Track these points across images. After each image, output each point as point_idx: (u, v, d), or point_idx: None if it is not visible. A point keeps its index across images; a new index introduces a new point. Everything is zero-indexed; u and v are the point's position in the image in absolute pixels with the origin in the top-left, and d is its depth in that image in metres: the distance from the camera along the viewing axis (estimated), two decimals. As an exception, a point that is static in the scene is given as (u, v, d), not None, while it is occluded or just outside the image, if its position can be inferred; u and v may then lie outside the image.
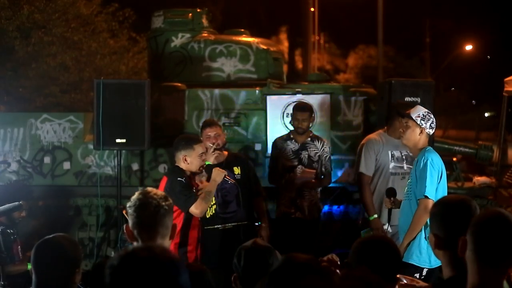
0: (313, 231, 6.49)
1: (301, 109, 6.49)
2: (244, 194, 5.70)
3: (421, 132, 4.92)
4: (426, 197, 4.71)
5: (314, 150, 6.47)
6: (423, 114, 4.94)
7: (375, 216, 5.94)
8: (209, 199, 5.03)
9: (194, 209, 4.93)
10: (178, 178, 4.93)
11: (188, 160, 5.03)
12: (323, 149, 6.49)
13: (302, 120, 6.42)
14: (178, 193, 4.87)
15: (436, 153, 4.94)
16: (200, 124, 7.71)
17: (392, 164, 6.03)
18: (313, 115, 6.58)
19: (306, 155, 6.44)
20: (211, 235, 5.57)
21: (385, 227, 5.82)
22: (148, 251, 1.96)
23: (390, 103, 6.79)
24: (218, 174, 5.11)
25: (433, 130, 5.02)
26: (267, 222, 5.97)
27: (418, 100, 6.86)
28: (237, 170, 5.79)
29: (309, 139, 6.50)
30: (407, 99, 6.86)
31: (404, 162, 6.05)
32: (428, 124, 4.92)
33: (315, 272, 2.13)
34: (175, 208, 4.86)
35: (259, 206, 6.00)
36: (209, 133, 5.76)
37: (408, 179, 5.05)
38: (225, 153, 5.97)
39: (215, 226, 5.69)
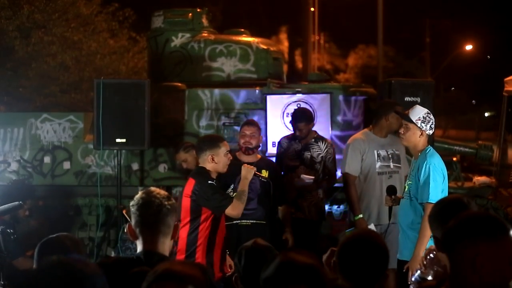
0: (313, 232, 6.43)
1: (298, 119, 6.44)
2: (267, 195, 5.64)
3: (421, 134, 4.91)
4: (429, 202, 4.68)
5: (317, 151, 6.43)
6: (423, 117, 4.89)
7: (360, 216, 5.94)
8: (244, 199, 4.89)
9: (231, 211, 4.81)
10: (209, 182, 4.82)
11: (216, 159, 4.89)
12: (327, 151, 6.44)
13: (299, 129, 6.40)
14: (211, 196, 4.78)
15: (437, 155, 4.92)
16: (200, 124, 7.78)
17: (378, 164, 6.01)
18: (313, 120, 6.55)
19: (309, 156, 6.41)
20: (228, 230, 5.46)
21: (370, 226, 5.85)
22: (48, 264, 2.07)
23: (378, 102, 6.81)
24: (248, 172, 5.00)
25: (433, 130, 5.01)
26: (290, 228, 5.96)
27: (418, 100, 6.87)
28: (264, 173, 5.74)
29: (312, 139, 6.47)
30: (407, 99, 6.87)
31: (391, 160, 6.04)
32: (428, 126, 4.91)
33: (313, 278, 2.08)
34: (204, 210, 4.78)
35: (284, 214, 6.02)
36: (246, 131, 5.80)
37: (409, 180, 5.00)
38: (258, 156, 5.97)
39: (234, 222, 5.59)
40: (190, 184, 4.87)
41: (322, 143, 6.48)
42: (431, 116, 4.96)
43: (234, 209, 4.81)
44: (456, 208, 2.76)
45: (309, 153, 6.41)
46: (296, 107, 7.59)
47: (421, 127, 4.88)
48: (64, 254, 3.01)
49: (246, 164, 5.11)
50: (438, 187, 4.76)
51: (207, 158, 4.91)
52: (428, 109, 5.08)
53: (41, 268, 2.07)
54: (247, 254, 3.28)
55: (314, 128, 6.74)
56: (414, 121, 4.90)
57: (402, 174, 6.08)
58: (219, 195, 4.83)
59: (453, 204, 2.79)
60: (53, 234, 3.14)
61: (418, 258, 4.60)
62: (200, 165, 4.99)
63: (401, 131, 5.03)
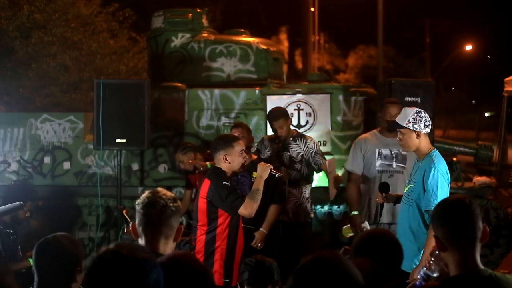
0: (298, 234, 6.31)
1: (275, 117, 6.33)
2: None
3: (418, 135, 4.68)
4: None
5: (297, 150, 6.29)
6: (413, 118, 4.66)
7: (355, 212, 6.00)
8: (258, 198, 4.77)
9: (244, 210, 4.73)
10: (224, 182, 4.77)
11: (229, 159, 4.83)
12: (307, 147, 6.29)
13: (280, 127, 6.30)
14: (224, 197, 4.73)
15: (442, 158, 4.73)
16: (200, 125, 7.78)
17: (378, 162, 6.01)
18: (289, 116, 6.41)
19: (288, 156, 6.29)
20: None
21: (364, 224, 5.88)
22: (114, 254, 2.10)
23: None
24: (264, 170, 4.88)
25: (430, 128, 4.77)
26: (267, 229, 5.85)
27: (418, 100, 6.87)
28: (255, 174, 5.71)
29: (291, 139, 6.32)
30: (407, 99, 6.87)
31: (394, 160, 6.01)
32: (422, 124, 4.66)
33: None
34: (220, 212, 4.74)
35: (269, 213, 5.91)
36: (234, 133, 5.81)
37: (411, 184, 4.83)
38: (254, 156, 5.95)
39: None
40: (206, 185, 4.82)
41: (301, 140, 6.32)
42: (423, 114, 4.69)
43: (246, 208, 4.73)
44: (459, 208, 2.75)
45: (288, 153, 6.29)
46: (296, 107, 7.60)
47: (414, 129, 4.65)
48: (62, 253, 3.03)
49: (262, 163, 5.03)
50: (445, 194, 4.59)
51: (221, 157, 4.86)
52: (428, 109, 4.95)
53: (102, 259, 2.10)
54: (252, 267, 3.84)
55: (314, 129, 6.70)
56: (404, 125, 4.68)
57: (407, 174, 6.05)
58: (233, 196, 4.75)
59: (456, 205, 2.78)
60: (50, 234, 3.14)
61: (422, 262, 4.52)
62: (215, 165, 4.93)
63: (398, 138, 4.84)
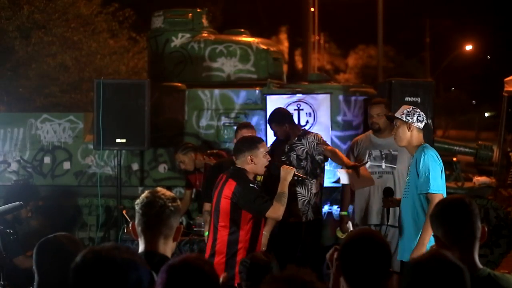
0: (311, 232, 6.31)
1: (268, 121, 6.47)
2: None
3: (410, 128, 4.85)
4: (432, 193, 4.66)
5: (301, 148, 6.29)
6: (407, 111, 4.88)
7: (343, 213, 6.25)
8: (284, 201, 4.77)
9: (273, 214, 4.74)
10: (251, 185, 4.76)
11: (255, 161, 4.80)
12: (308, 142, 6.27)
13: (273, 130, 6.39)
14: (253, 200, 4.71)
15: (433, 150, 4.90)
16: (200, 125, 7.78)
17: (368, 164, 6.06)
18: (283, 121, 6.38)
19: (295, 156, 6.27)
20: None
21: (348, 225, 6.06)
22: (93, 254, 2.15)
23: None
24: (288, 173, 4.86)
25: (423, 124, 4.92)
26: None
27: (418, 100, 6.87)
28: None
29: (296, 139, 6.33)
30: (407, 99, 6.87)
31: (383, 161, 6.06)
32: (415, 118, 4.84)
33: None
34: (244, 214, 4.72)
35: None
36: (246, 134, 5.78)
37: (407, 177, 5.01)
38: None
39: None
40: (231, 186, 4.76)
41: (305, 138, 6.31)
42: (418, 110, 4.91)
43: (275, 212, 4.73)
44: (458, 208, 2.76)
45: (295, 153, 6.28)
46: (296, 107, 7.60)
47: (406, 120, 4.83)
48: (62, 253, 3.02)
49: (285, 165, 5.00)
50: (438, 177, 4.73)
51: (246, 159, 4.81)
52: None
53: (85, 259, 2.14)
54: (248, 268, 3.90)
55: (314, 129, 6.66)
56: (398, 116, 4.88)
57: (397, 174, 6.07)
58: (260, 199, 4.74)
59: (455, 204, 2.80)
60: (51, 234, 3.14)
61: (423, 247, 4.58)
62: (238, 166, 4.87)
63: (393, 132, 5.04)
